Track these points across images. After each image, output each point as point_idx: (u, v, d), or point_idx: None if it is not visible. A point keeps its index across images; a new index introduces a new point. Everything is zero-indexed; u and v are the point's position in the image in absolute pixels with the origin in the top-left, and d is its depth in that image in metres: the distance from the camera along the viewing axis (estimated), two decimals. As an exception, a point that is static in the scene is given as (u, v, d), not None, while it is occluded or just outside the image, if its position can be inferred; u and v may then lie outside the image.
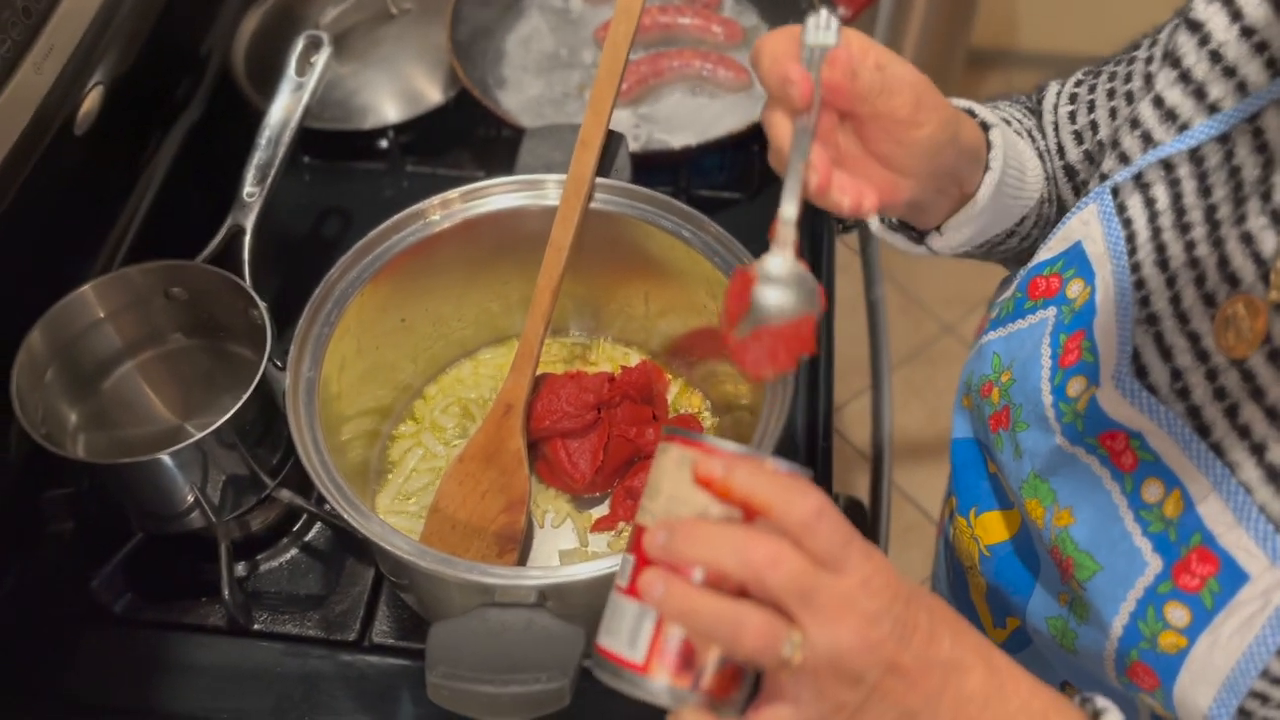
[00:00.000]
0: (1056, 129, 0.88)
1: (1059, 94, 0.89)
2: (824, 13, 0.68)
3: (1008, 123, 0.86)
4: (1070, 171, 0.87)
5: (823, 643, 0.54)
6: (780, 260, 0.67)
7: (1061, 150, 0.88)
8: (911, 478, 2.26)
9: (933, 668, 0.57)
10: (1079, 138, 0.86)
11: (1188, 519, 0.65)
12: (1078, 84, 0.88)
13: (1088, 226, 0.75)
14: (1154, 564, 0.66)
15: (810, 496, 0.56)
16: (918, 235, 0.85)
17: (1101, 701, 0.63)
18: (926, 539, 2.08)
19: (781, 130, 0.68)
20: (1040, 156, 0.87)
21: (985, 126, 0.80)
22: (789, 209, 0.66)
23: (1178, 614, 0.65)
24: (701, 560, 0.56)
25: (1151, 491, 0.67)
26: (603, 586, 0.76)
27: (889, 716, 0.56)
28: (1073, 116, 0.87)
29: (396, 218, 0.91)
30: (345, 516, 0.77)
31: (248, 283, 0.96)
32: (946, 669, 0.57)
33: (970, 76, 2.92)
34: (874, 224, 0.90)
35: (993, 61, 2.98)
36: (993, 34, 2.90)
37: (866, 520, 1.14)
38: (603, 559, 0.75)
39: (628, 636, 0.58)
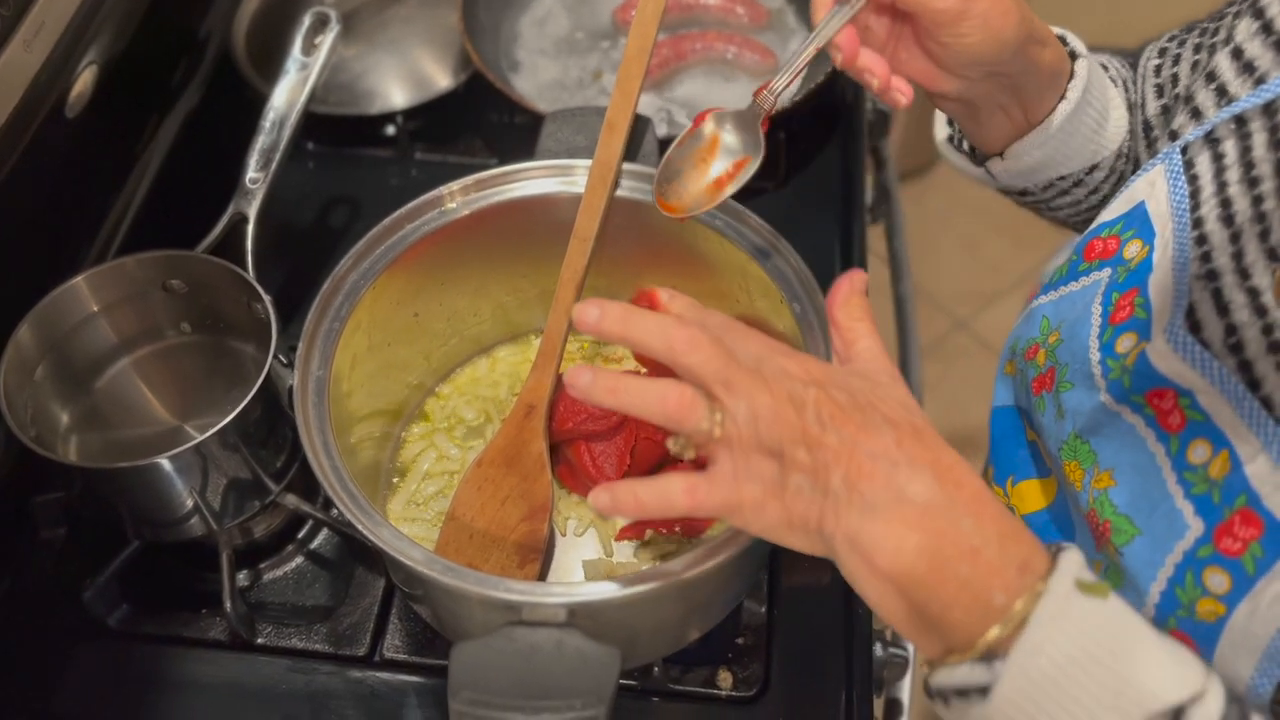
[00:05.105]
0: (1142, 82, 0.87)
1: (1150, 50, 0.89)
2: None
3: (1105, 67, 0.86)
4: (1147, 128, 0.86)
5: (740, 412, 0.57)
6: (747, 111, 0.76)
7: (1143, 104, 0.86)
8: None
9: (861, 455, 0.56)
10: (1159, 91, 0.85)
11: (1233, 479, 0.62)
12: (1170, 39, 0.87)
13: (1153, 187, 0.73)
14: (1195, 527, 0.64)
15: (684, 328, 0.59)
16: (980, 158, 0.85)
17: (1066, 545, 0.61)
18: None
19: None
20: (1130, 109, 0.86)
21: (1073, 56, 0.80)
22: (782, 78, 0.74)
23: (1217, 580, 0.63)
24: (625, 337, 0.59)
25: (1198, 453, 0.65)
26: (638, 604, 0.71)
27: (809, 496, 0.57)
28: (1157, 70, 0.86)
29: (412, 205, 0.85)
30: (358, 528, 0.72)
31: (251, 274, 0.91)
32: (885, 462, 0.56)
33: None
34: (940, 135, 0.91)
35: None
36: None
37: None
38: (637, 576, 0.69)
39: None
